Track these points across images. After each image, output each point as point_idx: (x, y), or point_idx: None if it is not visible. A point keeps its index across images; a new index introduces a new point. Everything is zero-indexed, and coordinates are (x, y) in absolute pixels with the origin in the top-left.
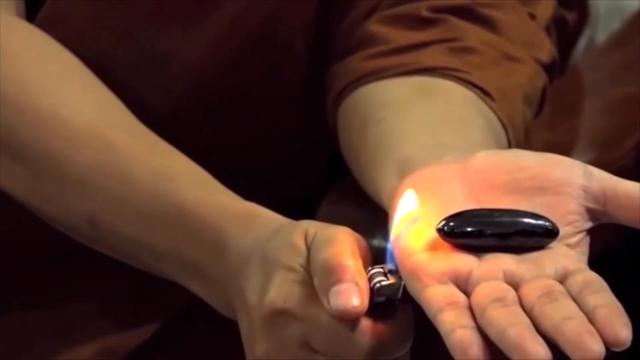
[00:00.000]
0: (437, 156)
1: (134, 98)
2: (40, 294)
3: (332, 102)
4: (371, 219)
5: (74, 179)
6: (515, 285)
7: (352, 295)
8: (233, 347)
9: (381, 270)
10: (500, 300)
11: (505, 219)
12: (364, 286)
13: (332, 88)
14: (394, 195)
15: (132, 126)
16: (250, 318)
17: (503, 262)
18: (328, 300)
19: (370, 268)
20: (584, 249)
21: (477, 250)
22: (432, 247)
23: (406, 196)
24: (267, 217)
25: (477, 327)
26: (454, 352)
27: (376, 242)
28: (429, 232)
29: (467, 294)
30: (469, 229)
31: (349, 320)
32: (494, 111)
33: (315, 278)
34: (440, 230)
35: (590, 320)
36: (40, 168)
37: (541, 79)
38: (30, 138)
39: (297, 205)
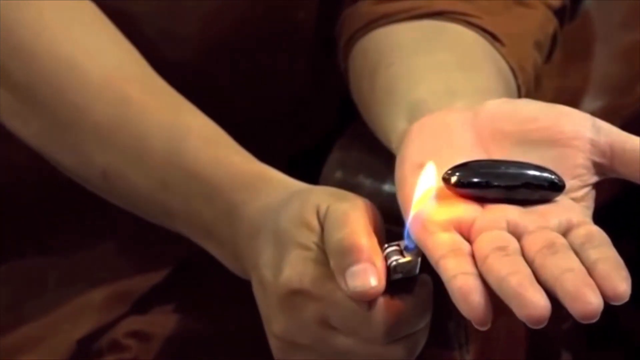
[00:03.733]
0: (448, 101)
1: (143, 44)
2: (52, 239)
3: (343, 47)
4: (382, 163)
5: (88, 130)
6: (518, 235)
7: (370, 275)
8: (244, 292)
9: (397, 247)
10: (502, 249)
11: (511, 171)
12: (381, 265)
13: (343, 33)
14: (403, 138)
15: (147, 79)
16: (266, 293)
17: (507, 213)
18: (345, 282)
19: (386, 245)
20: (589, 203)
21: (483, 201)
22: (437, 196)
23: (427, 171)
24: (277, 181)
25: (479, 275)
26: (455, 298)
27: (387, 187)
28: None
29: (470, 242)
30: (475, 180)
31: (366, 300)
32: (503, 57)
33: (332, 259)
34: (445, 180)
35: (591, 273)
36: (55, 117)
37: (552, 25)
38: (45, 87)
39: (309, 153)
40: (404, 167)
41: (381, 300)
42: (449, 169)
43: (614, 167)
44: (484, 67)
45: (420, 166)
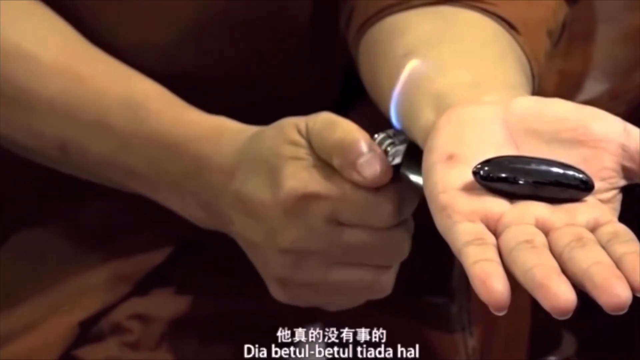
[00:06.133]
0: (475, 93)
1: (127, 33)
2: (51, 219)
3: (354, 35)
4: None
5: (42, 109)
6: (545, 231)
7: (378, 161)
8: (244, 271)
9: (385, 135)
10: (528, 242)
11: (541, 168)
12: (381, 152)
13: (353, 20)
14: (432, 128)
15: (94, 55)
16: (265, 217)
17: (535, 209)
18: (358, 173)
19: (375, 135)
20: (616, 205)
21: (511, 197)
22: (466, 188)
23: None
24: (237, 129)
25: (503, 266)
26: (474, 283)
27: None
28: (465, 172)
29: (496, 236)
30: (504, 175)
31: (378, 185)
32: (520, 46)
33: (335, 159)
34: (475, 174)
35: (617, 266)
36: (8, 102)
37: (563, 12)
38: None
39: None
40: (431, 156)
41: (385, 186)
42: (479, 163)
43: None
44: (506, 58)
45: (449, 157)
